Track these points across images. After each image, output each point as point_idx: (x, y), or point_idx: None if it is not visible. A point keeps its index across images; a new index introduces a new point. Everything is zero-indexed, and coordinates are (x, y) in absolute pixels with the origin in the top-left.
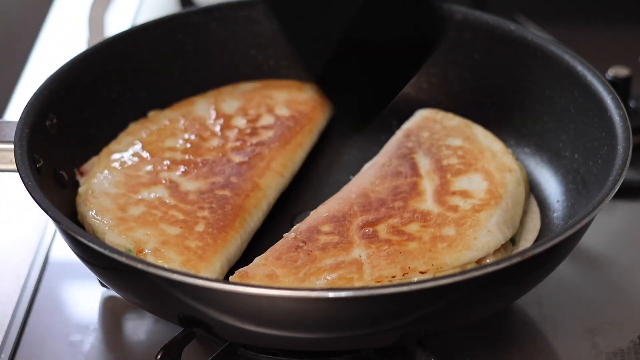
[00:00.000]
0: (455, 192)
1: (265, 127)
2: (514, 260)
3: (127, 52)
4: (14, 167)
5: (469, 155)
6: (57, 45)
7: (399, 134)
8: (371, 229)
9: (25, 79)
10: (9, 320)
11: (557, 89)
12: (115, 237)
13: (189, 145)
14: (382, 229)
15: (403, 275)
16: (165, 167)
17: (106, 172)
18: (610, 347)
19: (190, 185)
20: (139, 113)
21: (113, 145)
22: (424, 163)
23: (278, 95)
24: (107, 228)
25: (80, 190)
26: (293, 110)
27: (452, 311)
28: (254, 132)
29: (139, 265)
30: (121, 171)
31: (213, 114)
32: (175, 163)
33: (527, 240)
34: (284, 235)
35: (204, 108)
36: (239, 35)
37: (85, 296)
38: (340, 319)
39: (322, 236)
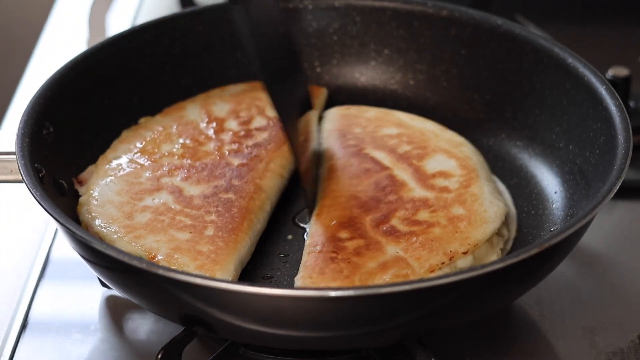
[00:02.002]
0: (434, 174)
1: (259, 129)
2: (514, 260)
3: (115, 57)
4: (14, 177)
5: (415, 139)
6: (59, 45)
7: (332, 136)
8: (388, 226)
9: (26, 81)
10: (10, 319)
11: (547, 82)
12: (126, 245)
13: (185, 150)
14: (398, 223)
15: (450, 260)
16: (165, 173)
17: (106, 180)
18: (610, 346)
19: (193, 189)
20: (131, 118)
21: (109, 153)
22: (381, 156)
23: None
24: (116, 237)
25: (82, 199)
26: None
27: (452, 310)
28: (248, 134)
29: (142, 266)
30: (121, 178)
31: (205, 118)
32: (174, 168)
33: (510, 206)
34: (307, 250)
35: (195, 112)
36: (225, 38)
37: (85, 296)
38: (341, 318)
39: (347, 242)
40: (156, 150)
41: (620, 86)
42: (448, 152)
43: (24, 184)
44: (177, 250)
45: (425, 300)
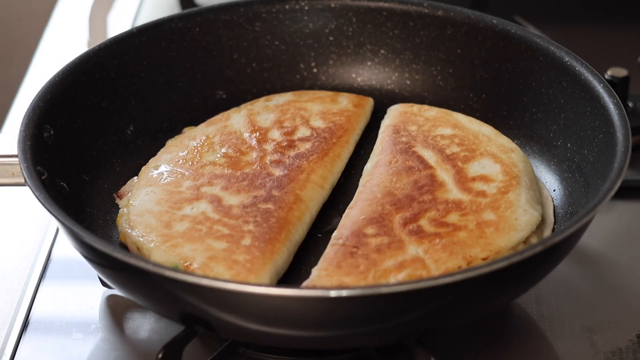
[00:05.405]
0: (474, 178)
1: (302, 140)
2: (514, 260)
3: (112, 60)
4: (16, 180)
5: (466, 141)
6: (59, 47)
7: (386, 131)
8: (415, 225)
9: (27, 83)
10: (11, 318)
11: (544, 80)
12: (162, 254)
13: (227, 160)
14: (425, 224)
15: (468, 264)
16: (206, 182)
17: (147, 189)
18: (608, 346)
19: (232, 199)
20: (129, 120)
21: (152, 162)
22: (428, 155)
23: (311, 106)
24: (152, 245)
25: (122, 210)
26: (328, 121)
27: (452, 310)
28: (291, 144)
29: (143, 265)
30: (162, 188)
31: (249, 128)
32: (215, 177)
33: (548, 214)
34: (331, 242)
35: (239, 122)
36: (221, 40)
37: (86, 295)
38: (341, 317)
39: (371, 239)
40: (198, 160)
41: (618, 87)
42: (495, 157)
43: (25, 187)
44: (213, 259)
45: (426, 300)
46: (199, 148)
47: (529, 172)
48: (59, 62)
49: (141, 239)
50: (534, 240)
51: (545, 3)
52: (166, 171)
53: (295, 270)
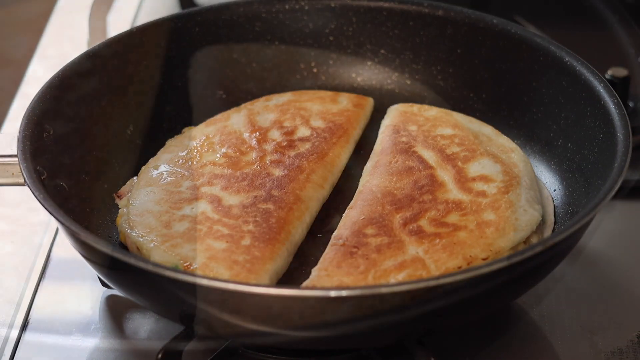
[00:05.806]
0: (474, 178)
1: (302, 140)
2: (514, 260)
3: (112, 60)
4: (16, 180)
5: (466, 141)
6: (59, 47)
7: (386, 131)
8: (415, 225)
9: (26, 83)
10: (11, 319)
11: (544, 79)
12: (162, 254)
13: (227, 160)
14: (425, 224)
15: (468, 264)
16: (206, 182)
17: (147, 189)
18: (609, 346)
19: (232, 199)
20: (129, 120)
21: (151, 162)
22: (428, 155)
23: (311, 106)
24: (152, 245)
25: (122, 210)
26: (327, 121)
27: (452, 310)
28: (290, 144)
29: (143, 265)
30: (162, 188)
31: (249, 128)
32: (215, 177)
33: (549, 214)
34: (331, 242)
35: (239, 122)
36: (221, 40)
37: (86, 295)
38: (341, 317)
39: (371, 239)
40: (198, 160)
41: (619, 86)
42: (495, 157)
43: (25, 186)
44: (213, 259)
45: (426, 301)
46: (199, 148)
47: (529, 172)
48: (59, 62)
49: (141, 239)
50: (534, 240)
51: (545, 3)
52: (166, 171)
53: (295, 270)
